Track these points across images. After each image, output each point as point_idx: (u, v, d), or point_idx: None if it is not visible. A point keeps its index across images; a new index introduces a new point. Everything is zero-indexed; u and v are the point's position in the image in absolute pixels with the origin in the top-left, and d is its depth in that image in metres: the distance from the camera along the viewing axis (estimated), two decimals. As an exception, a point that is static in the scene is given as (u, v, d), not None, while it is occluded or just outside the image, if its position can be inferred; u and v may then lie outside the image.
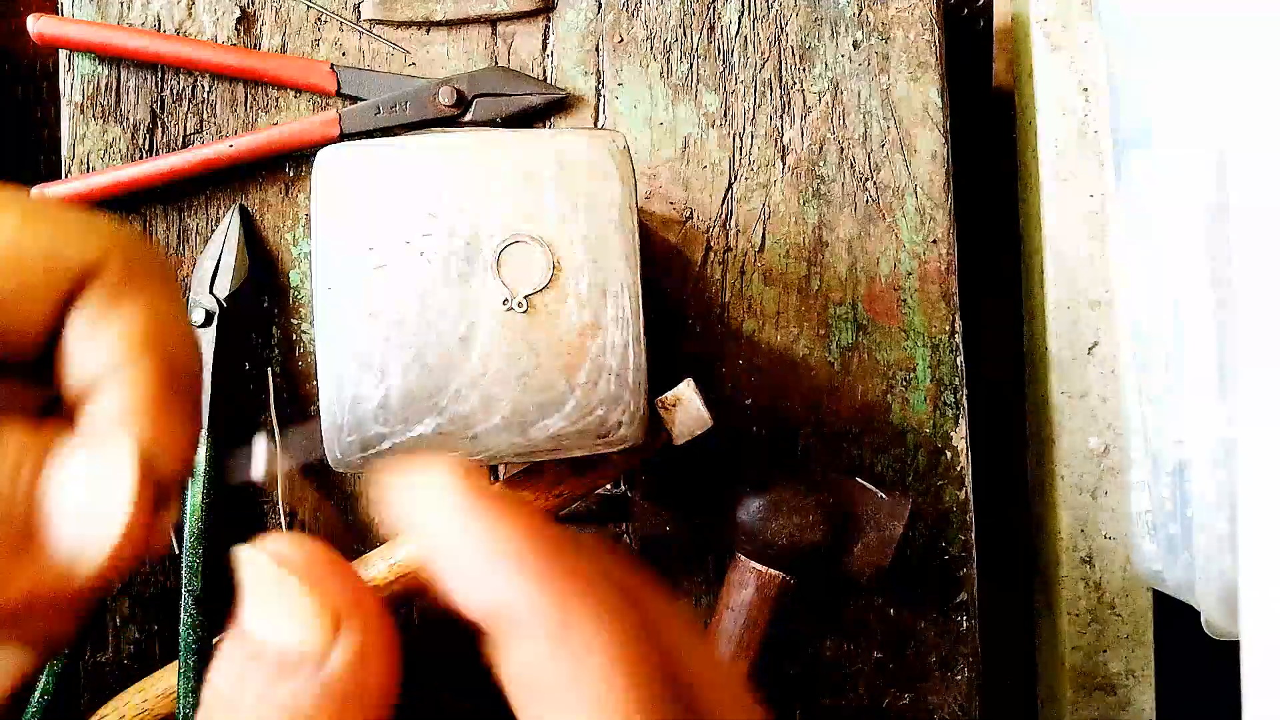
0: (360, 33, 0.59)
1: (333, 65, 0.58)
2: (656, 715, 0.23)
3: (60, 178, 0.59)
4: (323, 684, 0.22)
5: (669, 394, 0.50)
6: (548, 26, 0.60)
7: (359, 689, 0.23)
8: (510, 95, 0.58)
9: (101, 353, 0.24)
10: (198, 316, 0.57)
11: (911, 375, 0.59)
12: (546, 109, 0.59)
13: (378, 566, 0.52)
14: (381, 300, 0.43)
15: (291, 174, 0.59)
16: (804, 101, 0.60)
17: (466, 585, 0.24)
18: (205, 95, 0.59)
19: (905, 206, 0.59)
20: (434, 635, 0.59)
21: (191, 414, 0.26)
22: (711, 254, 0.59)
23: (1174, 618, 0.60)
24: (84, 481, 0.22)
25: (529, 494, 0.51)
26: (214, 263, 0.57)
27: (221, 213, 0.59)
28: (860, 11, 0.60)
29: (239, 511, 0.59)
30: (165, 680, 0.54)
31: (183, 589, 0.54)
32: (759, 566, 0.53)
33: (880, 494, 0.54)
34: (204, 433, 0.55)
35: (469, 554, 0.24)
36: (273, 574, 0.23)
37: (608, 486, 0.58)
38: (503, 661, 0.24)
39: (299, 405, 0.59)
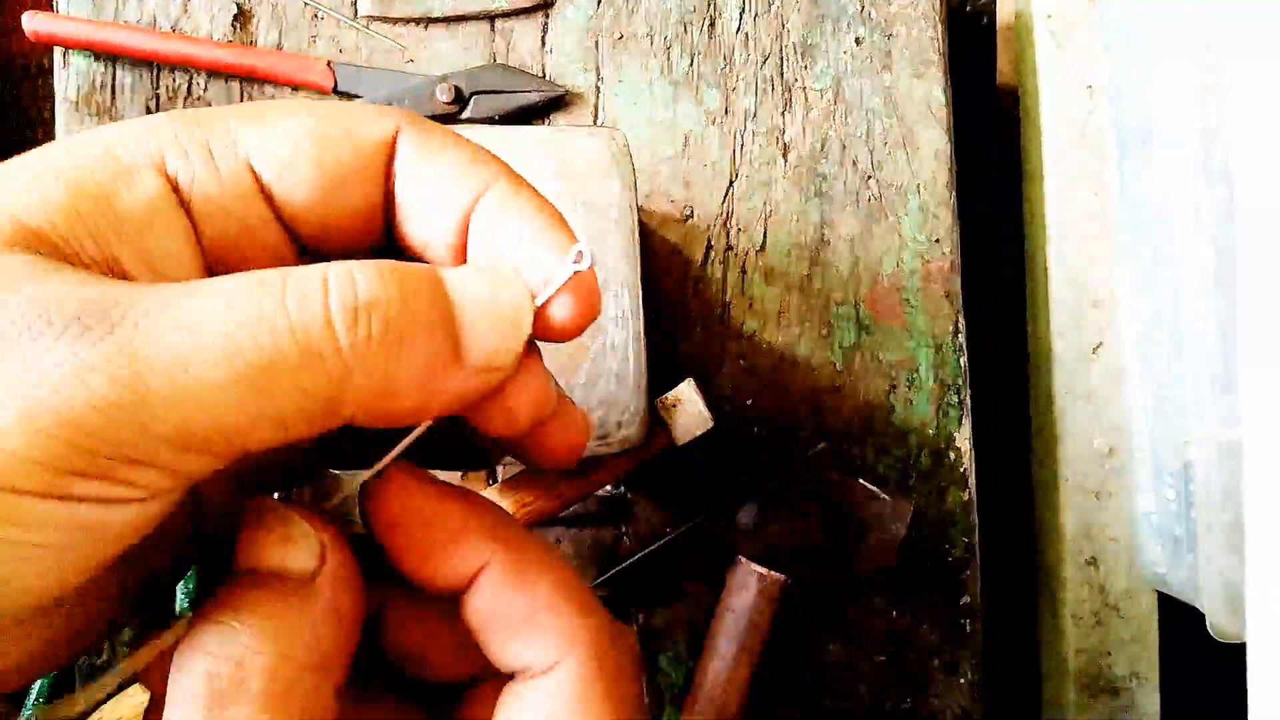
0: (357, 29, 0.59)
1: (330, 62, 0.58)
2: (598, 612, 0.27)
3: (56, 176, 0.58)
4: (315, 599, 0.24)
5: (669, 394, 0.50)
6: (546, 23, 0.59)
7: (341, 607, 0.25)
8: (509, 92, 0.58)
9: (454, 187, 0.26)
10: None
11: (914, 375, 0.59)
12: (545, 106, 0.59)
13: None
14: (378, 300, 0.42)
15: (289, 172, 0.59)
16: (806, 99, 0.59)
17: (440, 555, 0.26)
18: (201, 93, 0.59)
19: (908, 205, 0.59)
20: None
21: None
22: (712, 253, 0.59)
23: (1179, 620, 0.60)
24: (487, 298, 0.24)
25: (529, 494, 0.50)
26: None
27: (218, 211, 0.59)
28: (863, 8, 0.59)
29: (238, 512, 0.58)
30: (161, 683, 0.53)
31: (179, 589, 0.54)
32: (760, 568, 0.53)
33: (883, 495, 0.54)
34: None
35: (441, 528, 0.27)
36: (273, 507, 0.26)
37: (608, 486, 0.58)
38: (468, 605, 0.27)
39: (296, 405, 0.59)
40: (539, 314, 0.25)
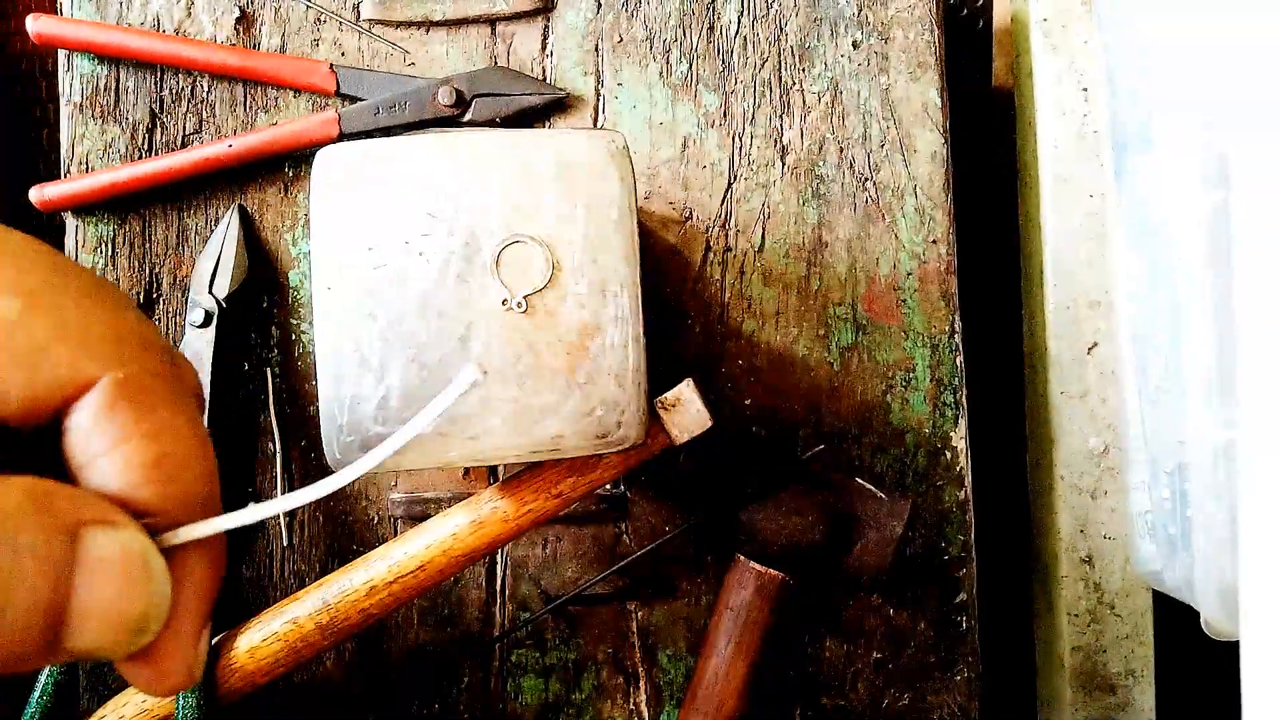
0: (360, 32, 0.59)
1: (332, 65, 0.58)
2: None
3: (59, 178, 0.59)
4: None
5: (669, 394, 0.50)
6: (547, 26, 0.60)
7: None
8: (510, 95, 0.58)
9: (104, 441, 0.24)
10: (197, 317, 0.57)
11: (911, 375, 0.59)
12: (546, 109, 0.59)
13: (377, 567, 0.52)
14: (380, 300, 0.42)
15: (291, 174, 0.59)
16: (803, 101, 0.60)
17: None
18: (204, 95, 0.59)
19: (905, 206, 0.59)
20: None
21: (212, 504, 0.26)
22: (711, 254, 0.59)
23: (1173, 618, 0.60)
24: (110, 590, 0.22)
25: (529, 494, 0.51)
26: (213, 263, 0.57)
27: (221, 213, 0.59)
28: (860, 11, 0.60)
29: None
30: (164, 680, 0.54)
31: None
32: (759, 566, 0.53)
33: (880, 494, 0.54)
34: (203, 433, 0.55)
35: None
36: None
37: (607, 486, 0.58)
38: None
39: (298, 405, 0.59)
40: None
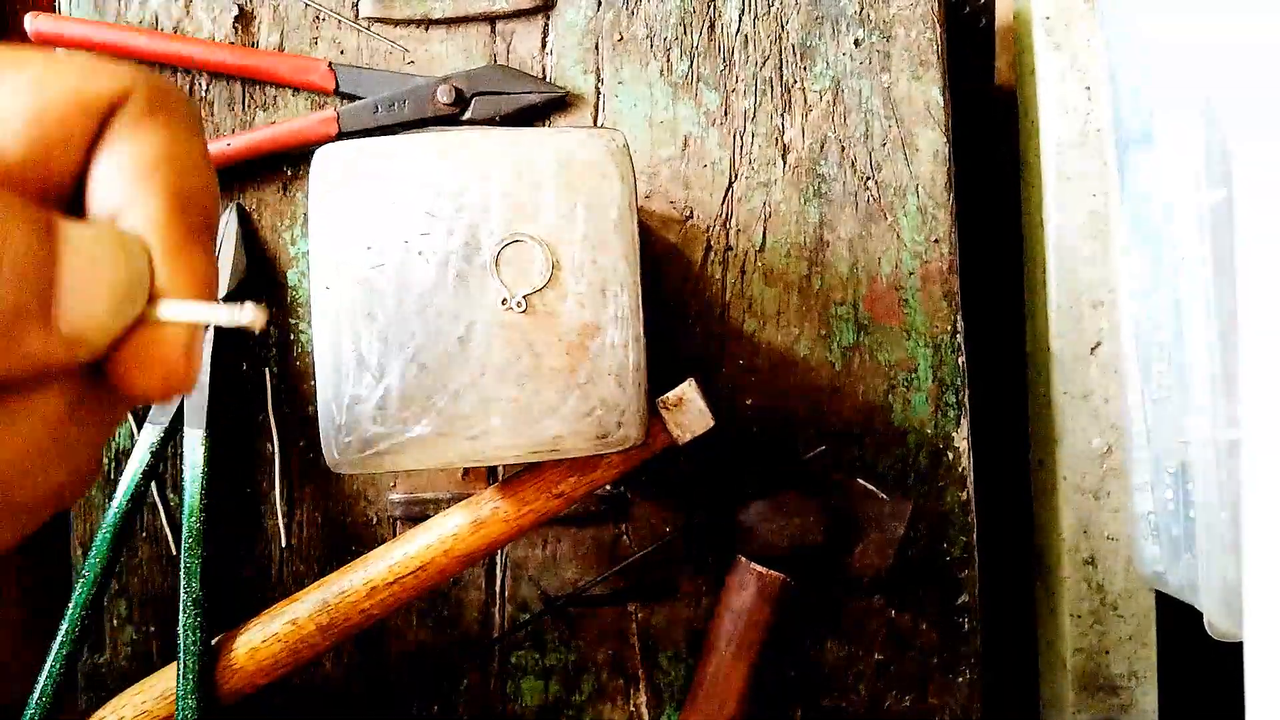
0: (359, 31, 0.59)
1: (331, 63, 0.58)
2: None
3: (57, 177, 0.58)
4: None
5: (670, 394, 0.50)
6: (547, 24, 0.60)
7: None
8: (509, 94, 0.58)
9: (122, 181, 0.25)
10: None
11: (913, 375, 0.59)
12: (546, 107, 0.59)
13: (377, 568, 0.51)
14: (380, 300, 0.42)
15: (289, 173, 0.59)
16: (805, 100, 0.59)
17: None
18: (203, 94, 0.59)
19: (907, 206, 0.59)
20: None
21: (207, 245, 0.26)
22: (712, 253, 0.59)
23: (1176, 619, 0.60)
24: (91, 265, 0.23)
25: (529, 494, 0.50)
26: (212, 262, 0.57)
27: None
28: (861, 9, 0.60)
29: (237, 513, 0.59)
30: (164, 682, 0.53)
31: (181, 590, 0.54)
32: (760, 568, 0.53)
33: (882, 495, 0.54)
34: (202, 433, 0.55)
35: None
36: None
37: (608, 487, 0.58)
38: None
39: (297, 405, 0.59)
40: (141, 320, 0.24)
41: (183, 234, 0.25)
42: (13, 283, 0.21)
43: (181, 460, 0.56)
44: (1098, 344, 0.60)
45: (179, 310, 0.25)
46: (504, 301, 0.42)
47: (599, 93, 0.59)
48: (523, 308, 0.42)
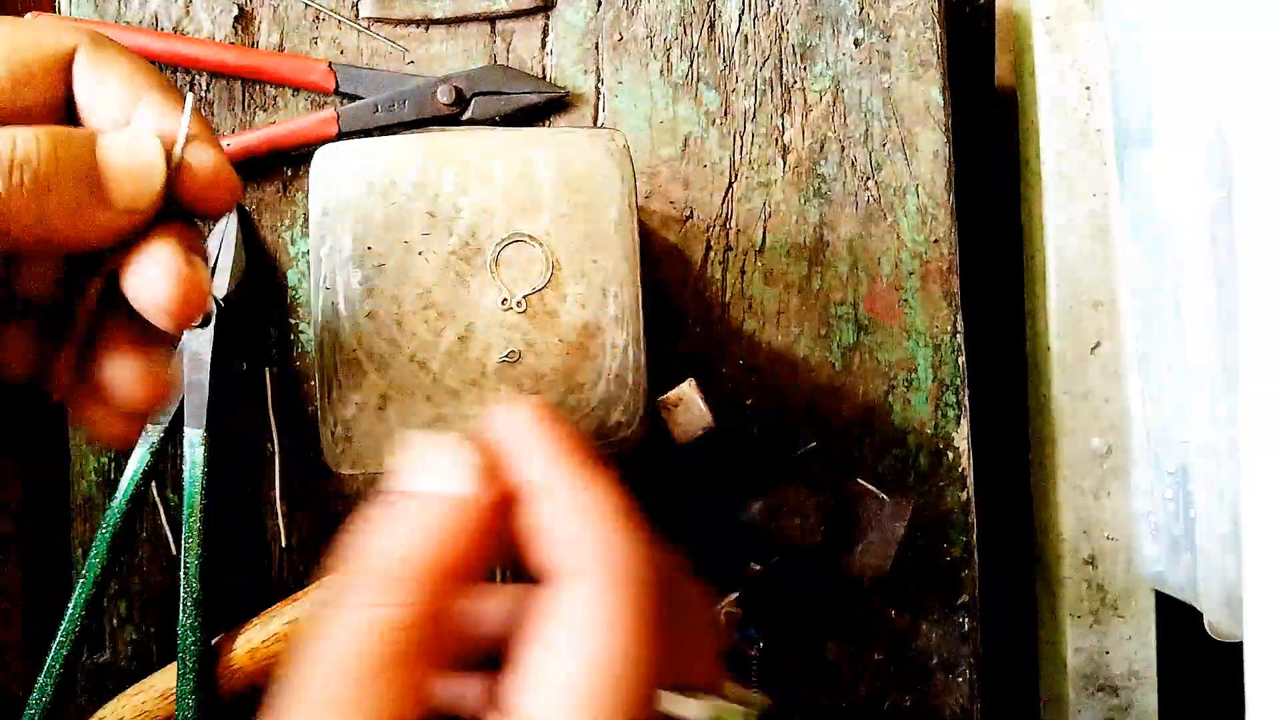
0: (359, 31, 0.59)
1: (331, 63, 0.58)
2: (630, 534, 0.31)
3: (57, 177, 0.58)
4: (458, 516, 0.30)
5: (671, 394, 0.50)
6: (547, 24, 0.60)
7: (481, 533, 0.30)
8: (509, 94, 0.58)
9: (117, 89, 0.34)
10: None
11: (913, 375, 0.59)
12: (546, 107, 0.59)
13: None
14: (379, 300, 0.42)
15: (289, 173, 0.59)
16: (805, 100, 0.59)
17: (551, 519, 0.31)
18: (203, 93, 0.59)
19: (907, 206, 0.59)
20: None
21: (177, 98, 0.36)
22: (712, 253, 0.59)
23: (1177, 619, 0.60)
24: (127, 155, 0.33)
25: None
26: (211, 262, 0.57)
27: (219, 212, 0.59)
28: (861, 9, 0.60)
29: (237, 513, 0.59)
30: (164, 682, 0.54)
31: (181, 590, 0.54)
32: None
33: (881, 495, 0.54)
34: (202, 433, 0.55)
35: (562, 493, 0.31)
36: (434, 439, 0.33)
37: (607, 487, 0.58)
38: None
39: (297, 406, 0.59)
40: (182, 167, 0.34)
41: (167, 100, 0.35)
42: (72, 184, 0.31)
43: (181, 460, 0.56)
44: (1098, 344, 0.60)
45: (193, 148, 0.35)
46: (504, 302, 0.42)
47: (599, 93, 0.59)
48: (522, 308, 0.43)
